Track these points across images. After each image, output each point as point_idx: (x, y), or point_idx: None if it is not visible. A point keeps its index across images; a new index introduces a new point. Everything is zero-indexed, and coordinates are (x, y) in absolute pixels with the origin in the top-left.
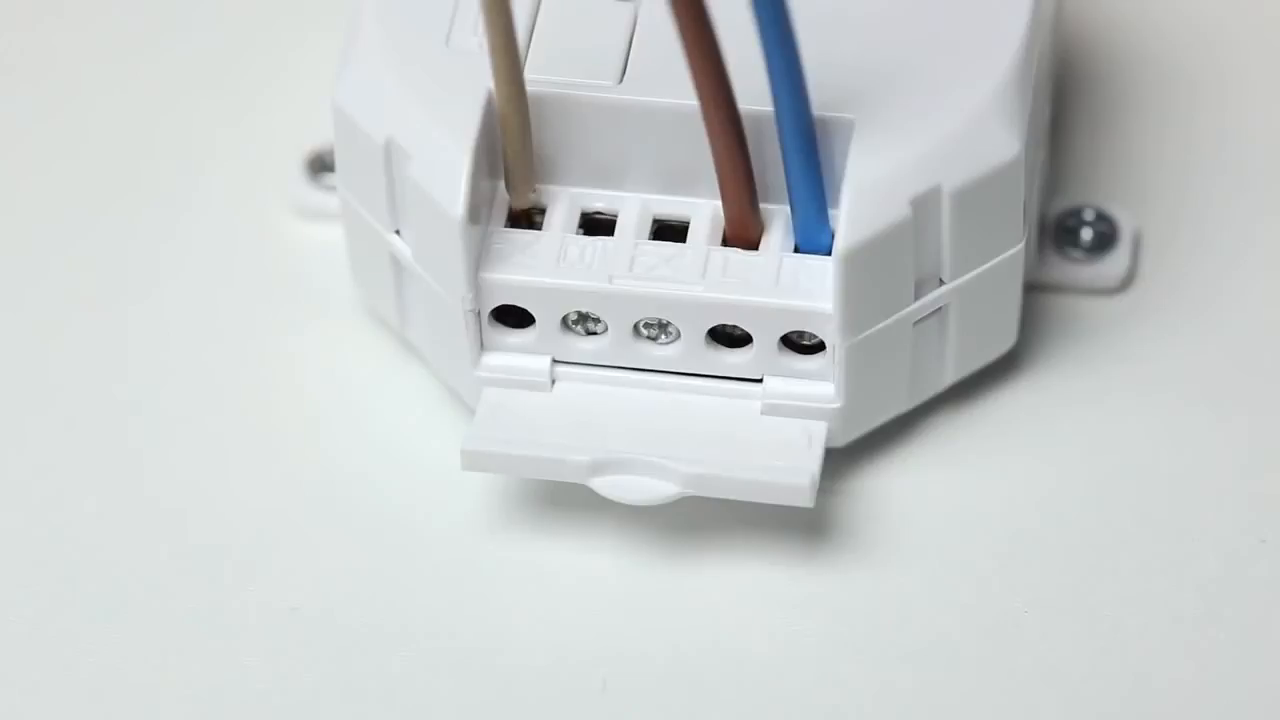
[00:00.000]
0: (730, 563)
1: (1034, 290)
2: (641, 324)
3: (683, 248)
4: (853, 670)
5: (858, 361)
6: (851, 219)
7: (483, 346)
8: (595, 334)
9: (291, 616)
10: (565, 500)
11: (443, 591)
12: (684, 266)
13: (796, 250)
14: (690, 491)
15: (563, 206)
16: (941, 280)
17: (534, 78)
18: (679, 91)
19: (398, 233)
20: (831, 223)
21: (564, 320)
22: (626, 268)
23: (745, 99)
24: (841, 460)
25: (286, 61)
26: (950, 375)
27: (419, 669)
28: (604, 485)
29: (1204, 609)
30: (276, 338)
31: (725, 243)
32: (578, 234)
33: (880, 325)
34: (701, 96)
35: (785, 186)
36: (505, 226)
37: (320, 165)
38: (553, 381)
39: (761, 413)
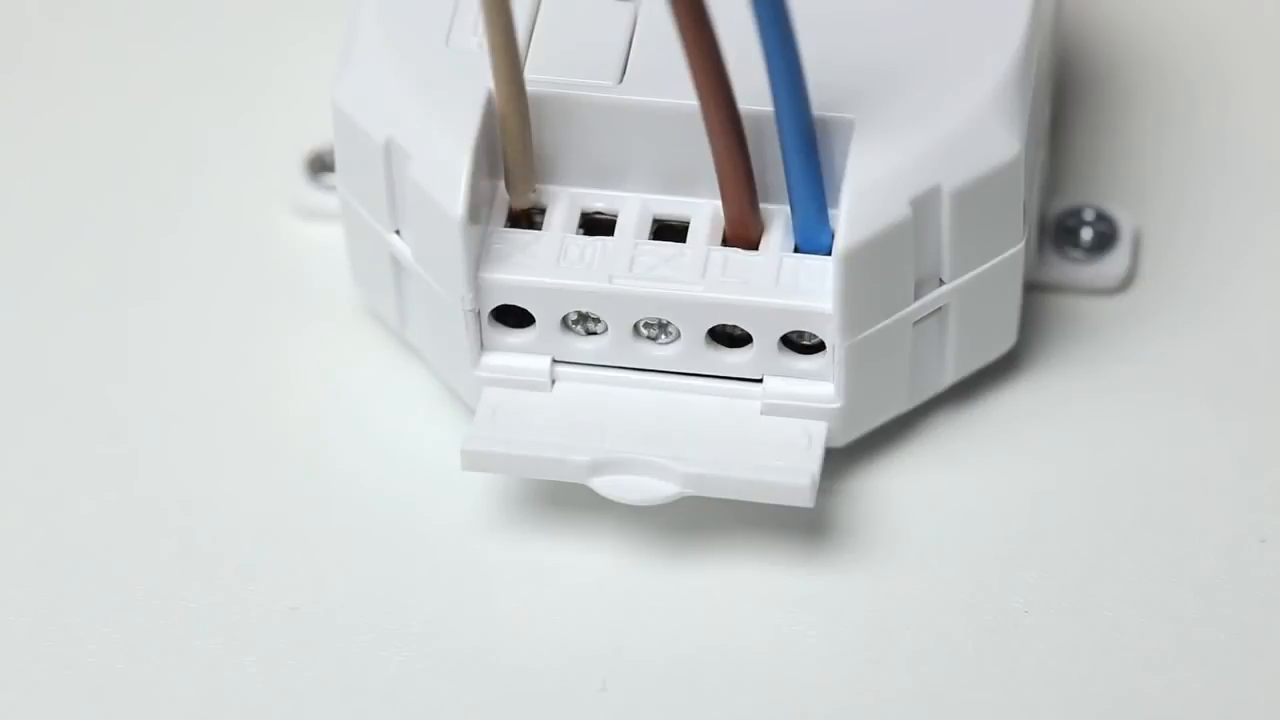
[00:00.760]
0: (730, 563)
1: (1034, 290)
2: (641, 324)
3: (683, 248)
4: (853, 670)
5: (858, 361)
6: (851, 219)
7: (483, 346)
8: (595, 334)
9: (291, 616)
10: (565, 500)
11: (443, 591)
12: (684, 266)
13: (796, 250)
14: (690, 491)
15: (563, 206)
16: (941, 280)
17: (534, 77)
18: (679, 91)
19: (398, 233)
20: (831, 222)
21: (564, 320)
22: (626, 268)
23: (745, 99)
24: (841, 460)
25: (286, 61)
26: (950, 375)
27: (419, 669)
28: (604, 485)
29: (1204, 609)
30: (276, 337)
31: (725, 243)
32: (578, 234)
33: (880, 325)
34: (701, 96)
35: (785, 186)
36: (505, 226)
37: (320, 165)
38: (553, 381)
39: (761, 413)
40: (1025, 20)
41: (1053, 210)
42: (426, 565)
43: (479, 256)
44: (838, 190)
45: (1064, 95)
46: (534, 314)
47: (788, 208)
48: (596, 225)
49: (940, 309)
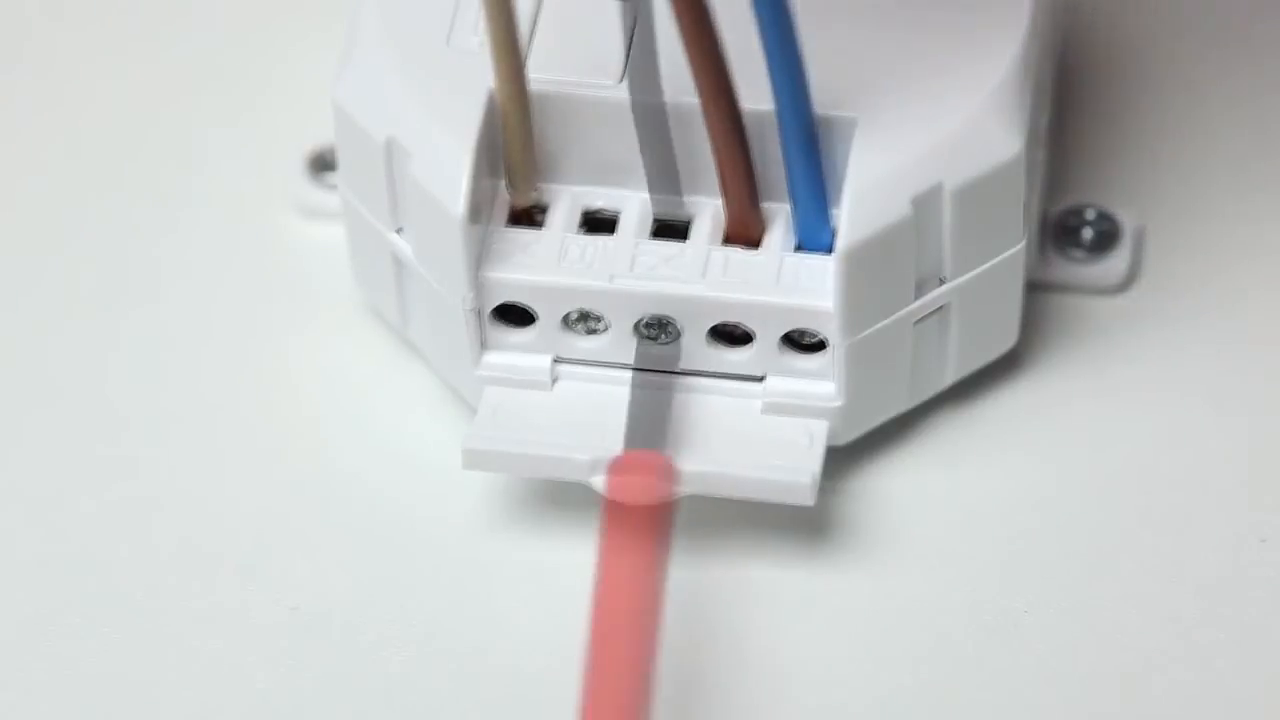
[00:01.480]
0: (730, 561)
1: (1035, 289)
2: (642, 323)
3: (684, 246)
4: (853, 669)
5: (858, 360)
6: (852, 217)
7: (484, 345)
8: (596, 333)
9: (292, 616)
10: (567, 499)
11: (443, 590)
12: (685, 265)
13: (798, 249)
14: (691, 490)
15: (564, 205)
16: (942, 279)
17: (535, 76)
18: (680, 90)
19: (399, 231)
20: (833, 221)
21: (565, 319)
22: (627, 266)
23: (747, 97)
24: (842, 459)
25: (287, 60)
26: (951, 374)
27: (420, 668)
28: (605, 484)
29: (1204, 609)
30: (277, 337)
31: (726, 241)
32: (579, 233)
33: (881, 324)
34: (703, 95)
35: (786, 185)
36: (506, 225)
37: (322, 164)
38: (554, 380)
39: (762, 411)
40: (1027, 19)
41: (1054, 209)
42: (427, 564)
43: (480, 255)
44: (839, 189)
45: (1066, 94)
46: (535, 313)
47: (789, 206)
48: (598, 224)
49: (941, 308)
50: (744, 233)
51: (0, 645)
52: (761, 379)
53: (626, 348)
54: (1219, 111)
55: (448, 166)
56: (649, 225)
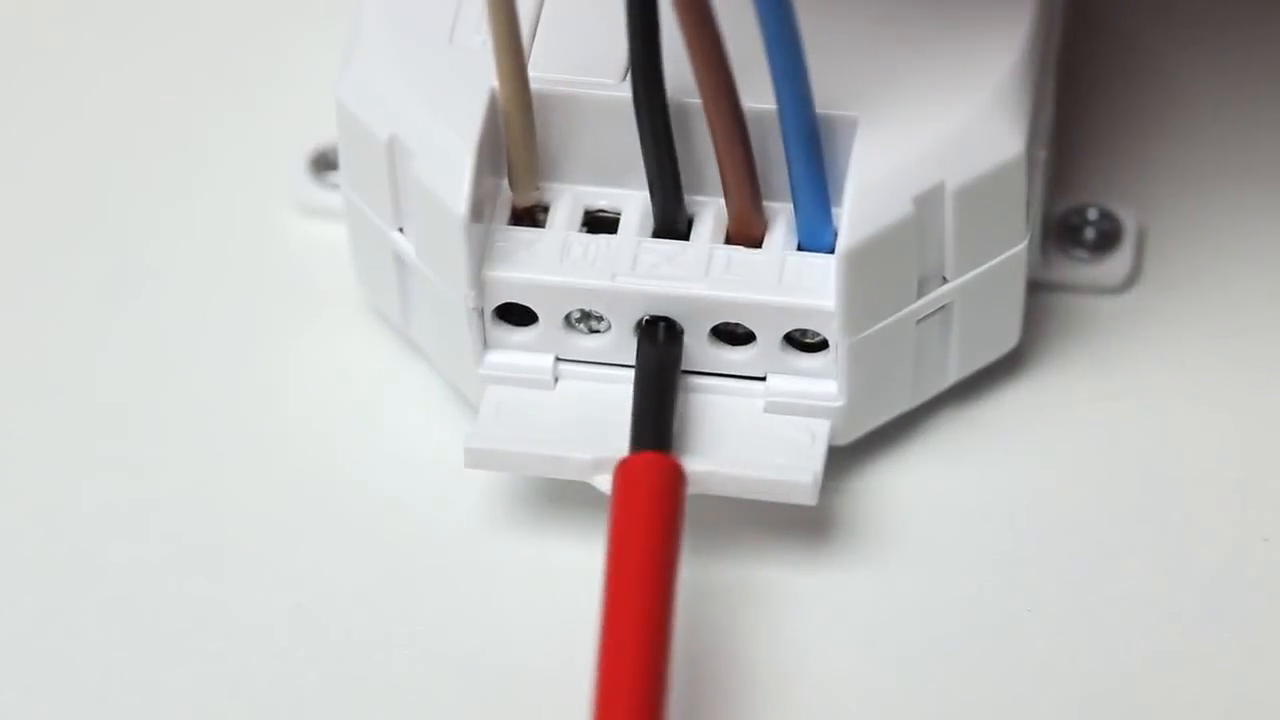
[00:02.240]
0: (732, 561)
1: (1037, 289)
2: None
3: (686, 246)
4: (855, 668)
5: (860, 359)
6: (854, 217)
7: (486, 344)
8: (598, 332)
9: (292, 616)
10: (569, 498)
11: (446, 589)
12: (687, 264)
13: (800, 248)
14: (693, 489)
15: (566, 204)
16: (944, 278)
17: (537, 75)
18: (682, 89)
19: (401, 230)
20: (834, 221)
21: (567, 318)
22: (629, 266)
23: (749, 96)
24: (844, 458)
25: (289, 59)
26: (953, 374)
27: (422, 666)
28: (607, 483)
29: (1206, 608)
30: (279, 336)
31: (728, 240)
32: (581, 232)
33: (883, 323)
34: (705, 94)
35: (788, 184)
36: (508, 224)
37: (324, 163)
38: (556, 379)
39: (764, 411)
40: (1028, 18)
41: (1056, 209)
42: (429, 563)
43: (482, 254)
44: (841, 188)
45: (1068, 93)
46: (537, 312)
47: (791, 205)
48: (600, 223)
49: (943, 307)
50: (746, 232)
51: (0, 645)
52: (763, 378)
53: (628, 347)
54: (1221, 111)
55: (450, 165)
56: (651, 224)
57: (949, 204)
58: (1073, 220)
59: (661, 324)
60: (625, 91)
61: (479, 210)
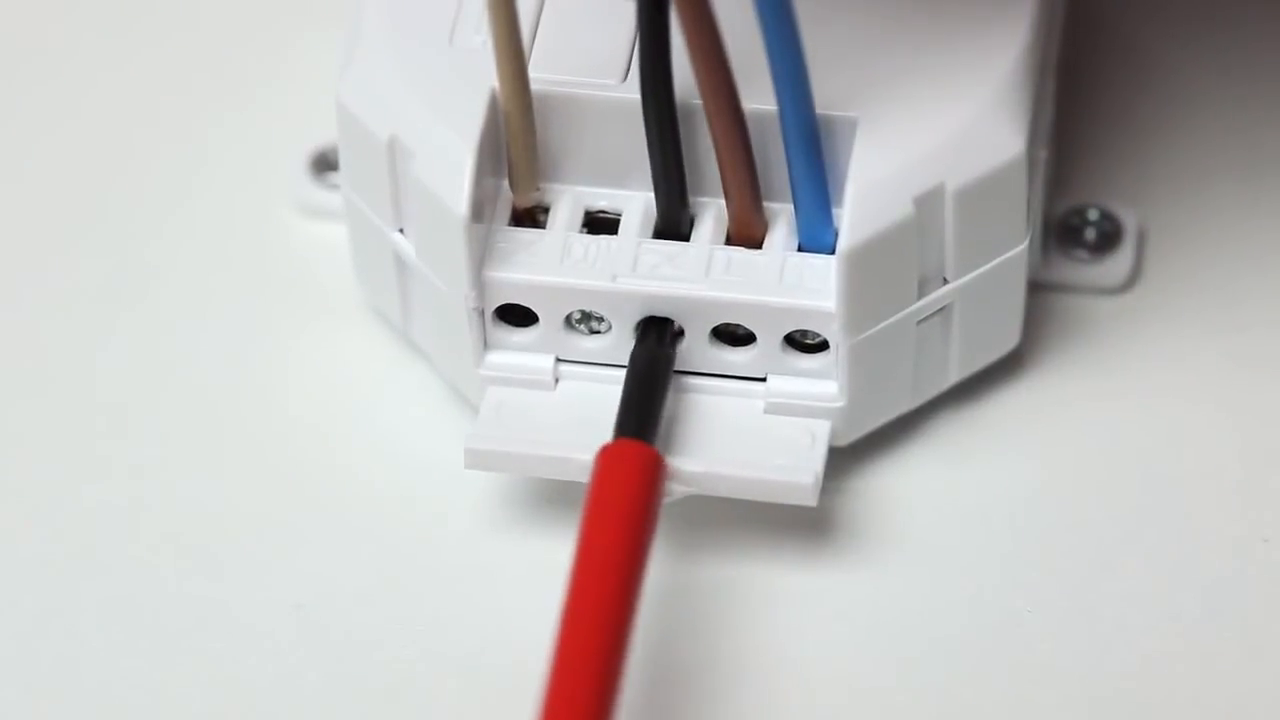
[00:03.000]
0: (733, 561)
1: (1038, 289)
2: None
3: (686, 246)
4: (855, 668)
5: (861, 360)
6: (855, 217)
7: (486, 345)
8: (598, 333)
9: (292, 616)
10: (569, 498)
11: (445, 589)
12: (687, 265)
13: (800, 249)
14: (693, 490)
15: (566, 205)
16: (945, 279)
17: (538, 76)
18: (683, 90)
19: (401, 231)
20: (835, 221)
21: (567, 319)
22: (630, 266)
23: (749, 97)
24: (845, 459)
25: (290, 59)
26: (954, 374)
27: (422, 666)
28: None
29: (1206, 608)
30: (279, 336)
31: (729, 241)
32: (581, 232)
33: (883, 324)
34: (705, 95)
35: (789, 185)
36: (509, 225)
37: (324, 163)
38: (556, 380)
39: (765, 411)
40: (1029, 19)
41: (1057, 209)
42: (429, 563)
43: (482, 255)
44: (841, 189)
45: (1068, 94)
46: (537, 313)
47: (791, 206)
48: (600, 224)
49: (944, 308)
50: (746, 233)
51: (0, 645)
52: (764, 379)
53: (629, 348)
54: (1221, 111)
55: (450, 166)
56: (651, 225)
57: (949, 205)
58: (1073, 221)
59: (659, 325)
60: (626, 92)
61: (479, 211)
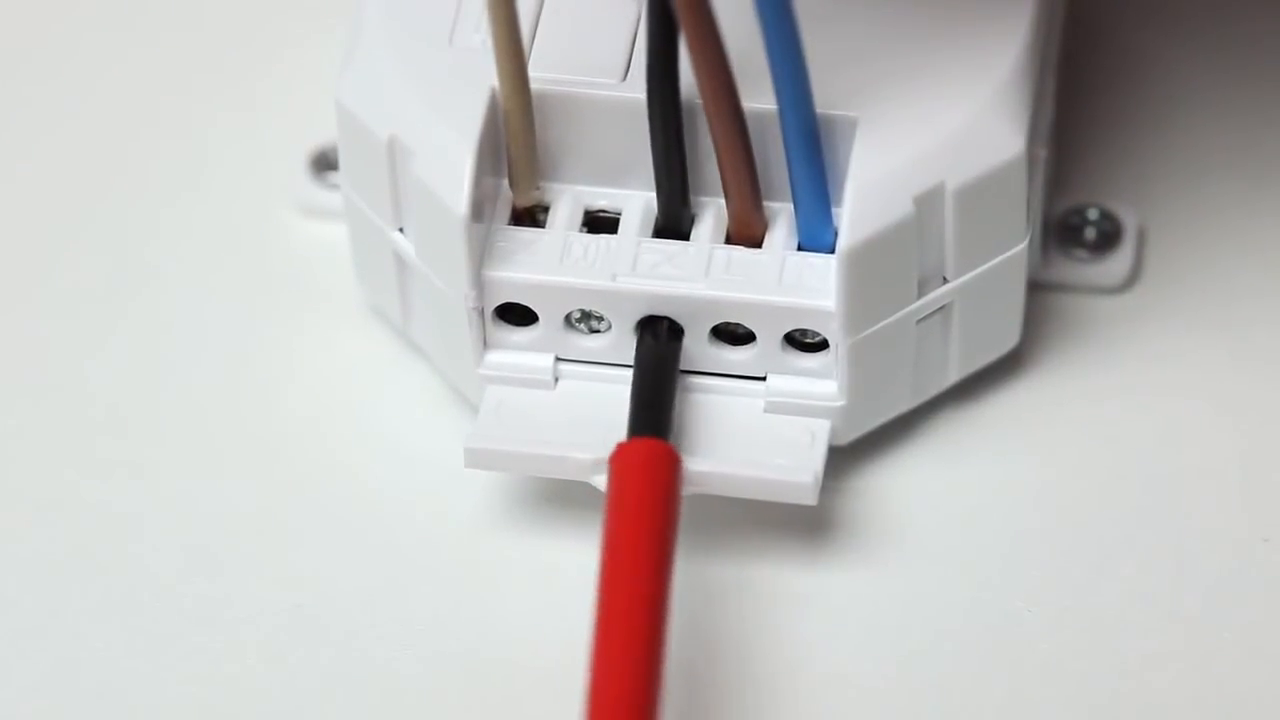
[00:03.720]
0: (733, 560)
1: (1037, 289)
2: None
3: (686, 246)
4: (855, 667)
5: (860, 359)
6: (854, 217)
7: (486, 344)
8: (598, 332)
9: (292, 616)
10: (568, 498)
11: (445, 589)
12: (687, 264)
13: (800, 248)
14: (693, 489)
15: (566, 204)
16: (945, 278)
17: (538, 75)
18: (683, 89)
19: (401, 230)
20: (835, 220)
21: (567, 318)
22: (630, 266)
23: (749, 96)
24: (844, 458)
25: (290, 59)
26: (953, 374)
27: (422, 666)
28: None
29: (1206, 608)
30: (279, 335)
31: (729, 240)
32: (581, 232)
33: (883, 323)
34: (705, 94)
35: (789, 184)
36: (508, 224)
37: (324, 163)
38: (556, 379)
39: (764, 410)
40: (1029, 18)
41: (1056, 209)
42: (429, 563)
43: (482, 254)
44: (841, 188)
45: (1068, 93)
46: (537, 312)
47: (791, 205)
48: (600, 223)
49: (943, 307)
50: (746, 232)
51: (0, 645)
52: (763, 378)
53: (629, 347)
54: (1221, 111)
55: (450, 165)
56: (651, 224)
57: (949, 204)
58: (1073, 220)
59: (662, 322)
60: (626, 91)
61: (479, 210)
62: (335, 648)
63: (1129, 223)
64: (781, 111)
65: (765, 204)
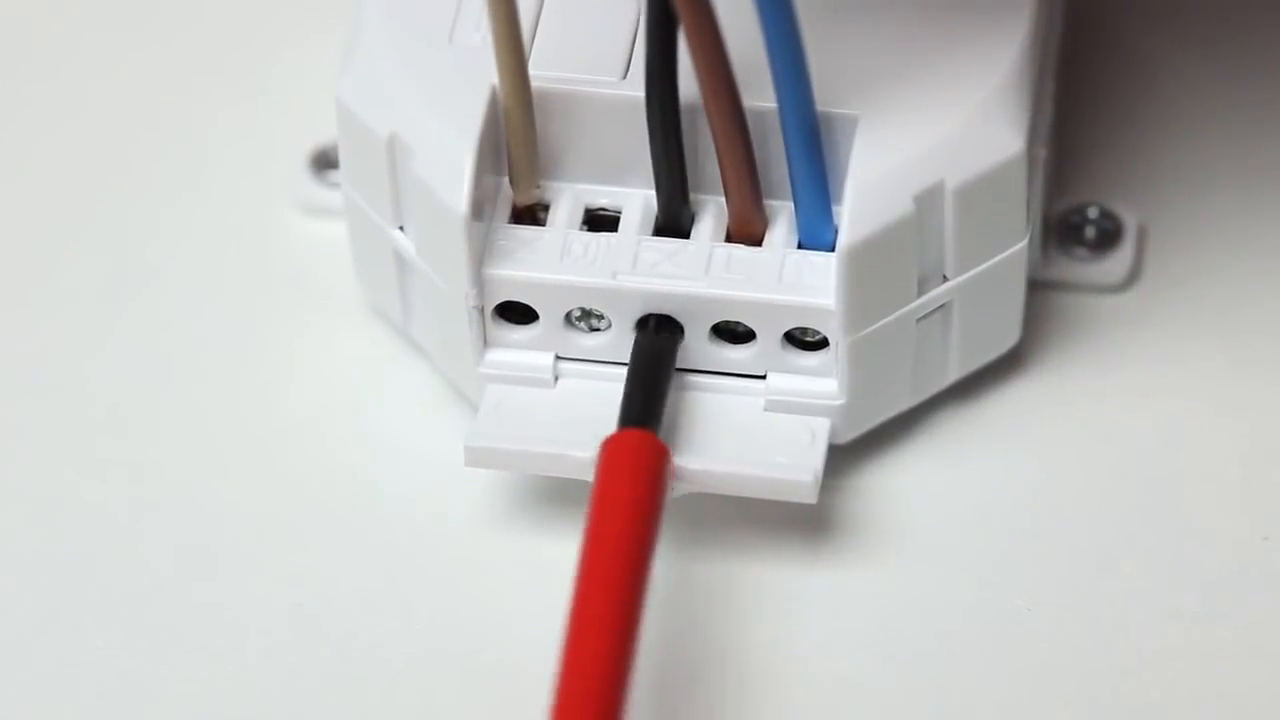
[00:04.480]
0: (732, 559)
1: (1037, 288)
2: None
3: (686, 244)
4: (855, 666)
5: (860, 358)
6: (854, 215)
7: (486, 343)
8: (598, 330)
9: (292, 615)
10: (569, 497)
11: (445, 588)
12: (687, 262)
13: (800, 246)
14: (693, 488)
15: (566, 202)
16: (945, 277)
17: (538, 73)
18: (683, 87)
19: (401, 229)
20: (835, 219)
21: (567, 316)
22: (630, 264)
23: (749, 94)
24: (844, 457)
25: (290, 58)
26: (953, 372)
27: (420, 667)
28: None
29: (1205, 607)
30: (279, 334)
31: (729, 239)
32: (581, 230)
33: (883, 322)
34: (705, 92)
35: (789, 182)
36: (509, 222)
37: (325, 162)
38: (556, 378)
39: (764, 409)
40: (1028, 17)
41: (1057, 207)
42: (429, 562)
43: (482, 252)
44: (841, 186)
45: (1068, 92)
46: (537, 310)
47: (791, 204)
48: (600, 221)
49: (943, 306)
50: (746, 230)
51: (1, 645)
52: (763, 377)
53: (629, 345)
54: (1221, 111)
55: (450, 163)
56: (651, 223)
57: (949, 202)
58: (1073, 219)
59: (660, 320)
60: (626, 89)
61: (479, 208)
62: (335, 648)
63: (1129, 222)
64: (782, 109)
65: (765, 202)
